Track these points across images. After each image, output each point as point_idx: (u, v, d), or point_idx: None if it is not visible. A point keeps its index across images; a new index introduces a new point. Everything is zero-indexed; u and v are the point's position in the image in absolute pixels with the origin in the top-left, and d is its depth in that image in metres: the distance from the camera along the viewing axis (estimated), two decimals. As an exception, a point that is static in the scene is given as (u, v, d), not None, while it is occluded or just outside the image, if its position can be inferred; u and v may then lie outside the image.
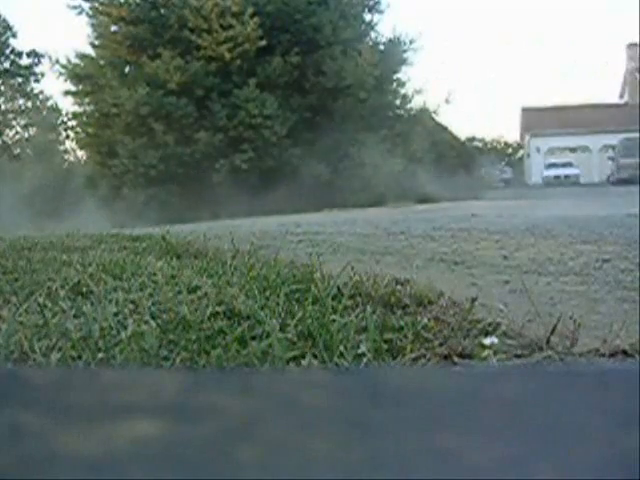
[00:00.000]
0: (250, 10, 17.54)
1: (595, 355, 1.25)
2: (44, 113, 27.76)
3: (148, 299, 1.70)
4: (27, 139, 27.49)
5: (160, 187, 17.93)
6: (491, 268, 2.77)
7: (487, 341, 1.30)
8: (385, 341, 1.27)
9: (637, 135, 27.00)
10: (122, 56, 18.62)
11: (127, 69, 19.10)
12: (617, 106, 38.79)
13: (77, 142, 21.47)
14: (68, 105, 35.97)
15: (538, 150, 37.54)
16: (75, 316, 1.51)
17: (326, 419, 0.46)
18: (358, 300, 1.71)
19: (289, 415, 0.46)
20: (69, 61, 19.05)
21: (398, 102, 21.11)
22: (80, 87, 19.36)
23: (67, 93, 19.82)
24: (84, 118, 20.01)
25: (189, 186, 18.01)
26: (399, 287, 1.87)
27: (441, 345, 1.28)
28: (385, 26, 42.34)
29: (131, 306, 1.62)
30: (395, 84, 21.01)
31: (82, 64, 19.11)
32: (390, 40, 20.65)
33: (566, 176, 31.22)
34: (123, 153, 17.96)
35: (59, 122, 26.89)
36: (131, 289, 1.90)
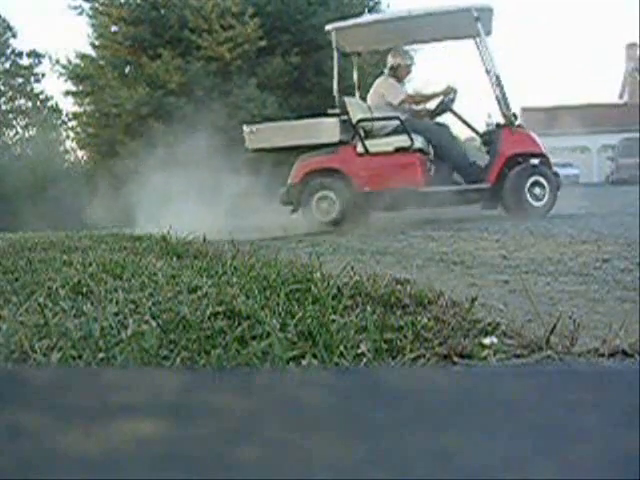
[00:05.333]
0: (250, 10, 17.54)
1: (594, 355, 1.25)
2: (44, 113, 27.78)
3: (148, 299, 1.70)
4: (27, 139, 27.50)
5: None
6: (491, 268, 2.77)
7: (487, 341, 1.30)
8: (385, 341, 1.27)
9: (637, 135, 26.97)
10: (122, 56, 18.63)
11: (127, 69, 19.10)
12: (617, 106, 38.77)
13: (77, 142, 21.47)
14: (68, 105, 36.00)
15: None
16: (75, 316, 1.51)
17: (326, 419, 0.46)
18: (358, 300, 1.71)
19: (289, 414, 0.47)
20: (69, 61, 19.07)
21: (398, 102, 21.09)
22: (80, 87, 19.36)
23: (67, 93, 19.83)
24: (84, 118, 20.01)
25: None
26: (399, 287, 1.87)
27: (441, 345, 1.28)
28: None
29: (131, 306, 1.62)
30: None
31: (82, 64, 19.11)
32: (390, 40, 20.66)
33: (565, 176, 31.17)
34: (123, 153, 17.96)
35: (59, 122, 26.91)
36: (131, 289, 1.90)
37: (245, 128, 7.00)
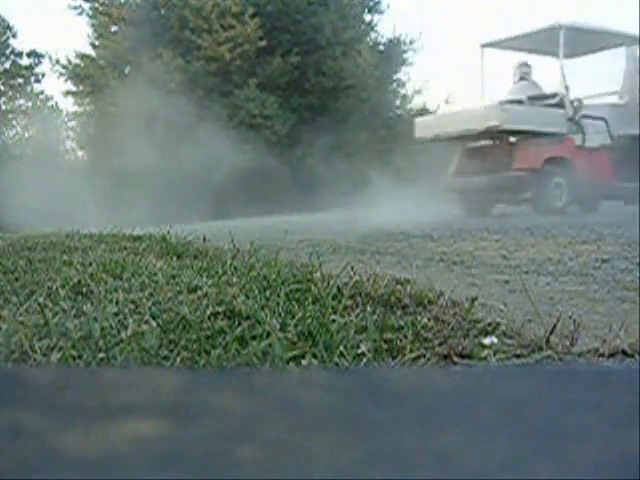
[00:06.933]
0: (250, 10, 17.54)
1: (594, 355, 1.25)
2: (44, 113, 27.76)
3: (148, 299, 1.70)
4: (27, 139, 27.48)
5: (161, 187, 17.93)
6: (491, 268, 2.77)
7: (487, 341, 1.30)
8: (385, 341, 1.27)
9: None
10: (122, 56, 18.63)
11: (127, 69, 19.11)
12: (617, 106, 38.66)
13: (77, 142, 21.49)
14: (69, 105, 35.99)
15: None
16: (75, 316, 1.51)
17: (326, 418, 0.46)
18: (358, 300, 1.71)
19: (289, 414, 0.47)
20: (69, 61, 19.09)
21: (398, 102, 21.11)
22: (80, 87, 19.38)
23: (67, 93, 19.85)
24: (84, 118, 20.03)
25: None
26: (399, 287, 1.87)
27: (441, 345, 1.28)
28: (385, 26, 42.27)
29: (131, 306, 1.62)
30: (395, 84, 21.02)
31: (82, 64, 19.13)
32: (390, 40, 20.66)
33: None
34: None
35: (59, 122, 26.89)
36: (131, 289, 1.90)
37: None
